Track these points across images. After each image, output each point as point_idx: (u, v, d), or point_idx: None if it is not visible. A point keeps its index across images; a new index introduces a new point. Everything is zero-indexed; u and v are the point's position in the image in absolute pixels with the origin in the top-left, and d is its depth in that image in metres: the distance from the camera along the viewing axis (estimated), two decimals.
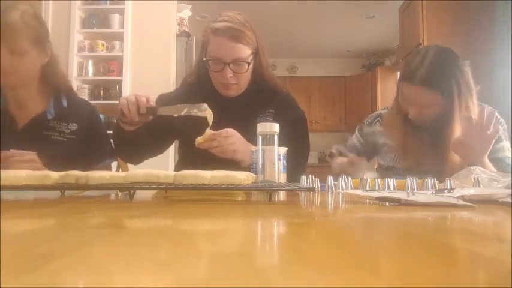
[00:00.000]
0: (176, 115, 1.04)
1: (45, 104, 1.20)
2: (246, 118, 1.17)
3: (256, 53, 1.21)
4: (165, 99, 1.32)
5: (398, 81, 1.31)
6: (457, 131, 1.14)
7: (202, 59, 1.24)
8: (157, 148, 1.32)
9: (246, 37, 1.16)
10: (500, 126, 1.19)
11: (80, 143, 1.23)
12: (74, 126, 1.23)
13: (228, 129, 1.04)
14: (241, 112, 1.21)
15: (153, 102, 1.06)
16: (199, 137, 1.02)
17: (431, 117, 1.21)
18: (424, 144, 1.24)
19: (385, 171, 1.34)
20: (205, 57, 1.20)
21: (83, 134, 1.24)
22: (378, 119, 1.43)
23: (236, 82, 1.20)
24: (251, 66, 1.20)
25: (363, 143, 1.43)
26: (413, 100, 1.20)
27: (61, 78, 1.25)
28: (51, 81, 1.22)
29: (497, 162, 1.20)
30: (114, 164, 1.59)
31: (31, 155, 1.02)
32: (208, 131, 1.02)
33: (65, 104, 1.23)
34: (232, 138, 1.03)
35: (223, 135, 1.02)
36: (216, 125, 1.20)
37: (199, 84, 1.27)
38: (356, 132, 1.47)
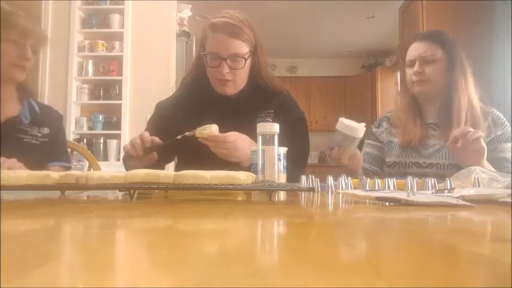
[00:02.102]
0: (179, 137, 1.04)
1: (19, 108, 1.23)
2: (245, 118, 1.17)
3: (254, 52, 1.21)
4: (164, 106, 1.32)
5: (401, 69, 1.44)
6: (461, 102, 1.25)
7: (200, 57, 1.24)
8: (167, 161, 1.36)
9: (244, 34, 1.16)
10: (507, 128, 1.27)
11: (51, 144, 1.28)
12: (45, 130, 1.27)
13: (230, 134, 1.02)
14: (240, 112, 1.20)
15: (158, 141, 1.08)
16: (200, 129, 1.00)
17: (434, 82, 1.29)
18: (428, 131, 1.32)
19: (390, 168, 1.35)
20: (203, 52, 1.21)
21: (53, 138, 1.29)
22: (384, 119, 1.46)
23: (232, 79, 1.19)
24: (248, 63, 1.20)
25: (379, 144, 1.43)
26: (417, 55, 1.30)
27: (29, 82, 1.32)
28: (27, 84, 1.28)
29: (503, 162, 1.21)
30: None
31: (11, 162, 1.04)
32: (211, 128, 1.00)
33: (37, 109, 1.27)
34: (229, 145, 1.01)
35: (220, 140, 1.00)
36: (215, 124, 1.20)
37: (197, 83, 1.27)
38: (366, 140, 1.47)
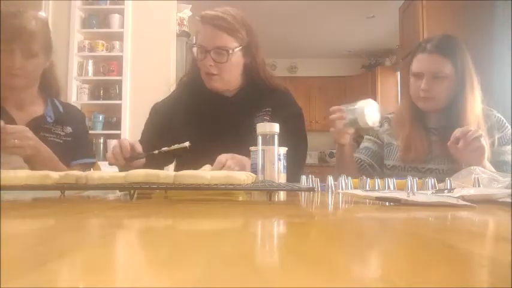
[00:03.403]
0: (156, 152, 1.03)
1: (44, 107, 1.25)
2: (243, 117, 1.16)
3: (247, 50, 1.19)
4: (161, 107, 1.32)
5: (400, 76, 1.39)
6: (469, 118, 1.20)
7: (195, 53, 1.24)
8: (166, 163, 1.34)
9: (232, 28, 1.15)
10: (507, 130, 1.25)
11: (74, 144, 1.29)
12: (69, 130, 1.28)
13: (219, 158, 0.99)
14: (237, 111, 1.20)
15: (139, 149, 1.06)
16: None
17: (441, 99, 1.25)
18: (431, 143, 1.28)
19: (390, 171, 1.34)
20: (193, 45, 1.22)
21: (76, 137, 1.30)
22: (385, 120, 1.43)
23: (217, 73, 1.17)
24: (236, 59, 1.18)
25: (379, 142, 1.41)
26: (425, 68, 1.24)
27: (57, 83, 1.32)
28: (50, 85, 1.28)
29: (502, 165, 1.21)
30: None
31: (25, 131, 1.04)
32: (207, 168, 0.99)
33: (61, 109, 1.29)
34: (228, 163, 0.99)
35: (220, 167, 0.98)
36: (213, 125, 1.18)
37: (194, 82, 1.26)
38: (366, 136, 1.45)
